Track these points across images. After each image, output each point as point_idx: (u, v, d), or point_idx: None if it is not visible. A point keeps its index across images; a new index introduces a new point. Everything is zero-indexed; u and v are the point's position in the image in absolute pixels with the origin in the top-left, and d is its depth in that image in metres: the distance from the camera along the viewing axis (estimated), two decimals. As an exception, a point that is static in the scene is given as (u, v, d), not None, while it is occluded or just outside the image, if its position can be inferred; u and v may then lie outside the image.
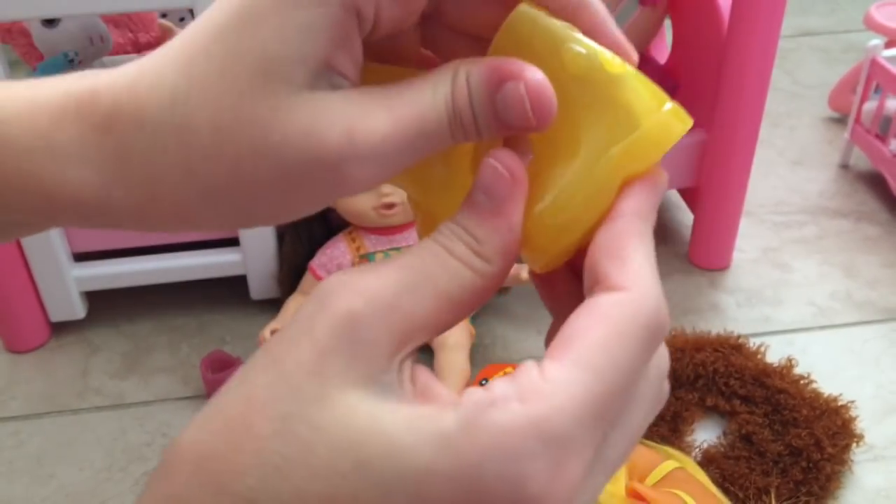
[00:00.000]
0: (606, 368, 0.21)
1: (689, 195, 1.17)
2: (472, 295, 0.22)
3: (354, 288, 0.21)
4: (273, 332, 0.94)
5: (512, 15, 0.25)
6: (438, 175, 0.28)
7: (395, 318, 0.21)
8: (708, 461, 0.83)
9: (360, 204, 0.93)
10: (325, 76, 0.23)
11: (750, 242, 1.20)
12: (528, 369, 0.21)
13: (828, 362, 0.99)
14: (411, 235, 0.98)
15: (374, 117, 0.23)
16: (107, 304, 1.08)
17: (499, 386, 0.21)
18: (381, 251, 0.97)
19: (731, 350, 0.94)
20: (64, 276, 1.00)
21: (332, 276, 0.22)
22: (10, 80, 0.25)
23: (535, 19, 0.25)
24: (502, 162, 0.23)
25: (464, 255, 0.22)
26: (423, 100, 0.23)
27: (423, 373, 0.22)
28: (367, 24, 0.23)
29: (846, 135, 1.34)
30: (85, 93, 0.23)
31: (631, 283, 0.22)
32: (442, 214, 0.27)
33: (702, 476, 0.77)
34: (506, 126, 0.23)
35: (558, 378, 0.21)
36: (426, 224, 0.29)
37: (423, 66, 0.27)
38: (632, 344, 0.22)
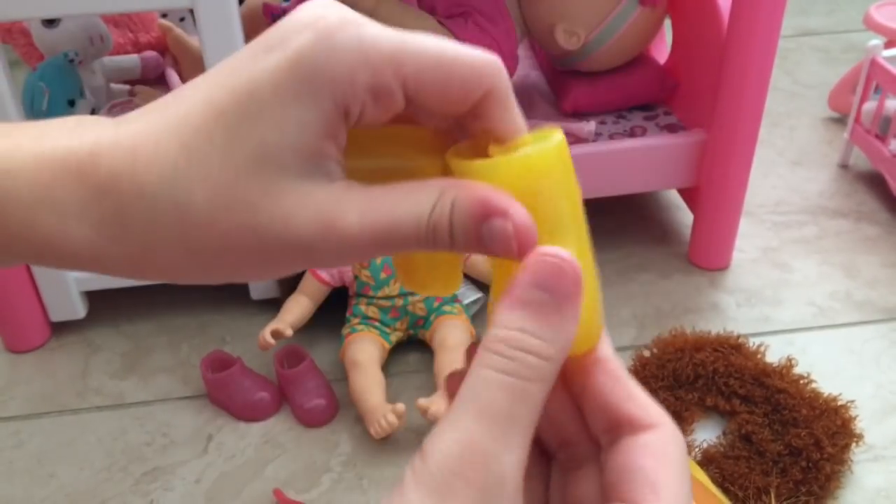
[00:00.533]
0: (686, 495, 0.26)
1: (689, 195, 1.18)
2: (543, 400, 0.24)
3: (473, 465, 0.22)
4: (273, 333, 0.94)
5: (557, 144, 0.26)
6: None
7: (509, 479, 0.23)
8: (708, 461, 0.83)
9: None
10: (317, 164, 0.25)
11: (750, 242, 1.20)
12: None
13: (827, 362, 0.99)
14: (411, 235, 0.98)
15: (349, 219, 0.25)
16: (107, 304, 1.08)
17: None
18: (381, 251, 0.97)
19: (730, 350, 0.93)
20: (64, 276, 1.00)
21: (431, 452, 0.23)
22: (15, 126, 0.27)
23: (565, 148, 0.27)
24: (559, 256, 0.24)
25: (536, 370, 0.24)
26: (400, 213, 0.25)
27: None
28: (353, 119, 0.25)
29: (846, 135, 1.34)
30: (86, 154, 0.25)
31: (657, 419, 0.27)
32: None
33: (702, 476, 0.77)
34: (485, 251, 0.25)
35: None
36: (401, 260, 0.31)
37: (396, 122, 0.29)
38: (686, 464, 0.27)
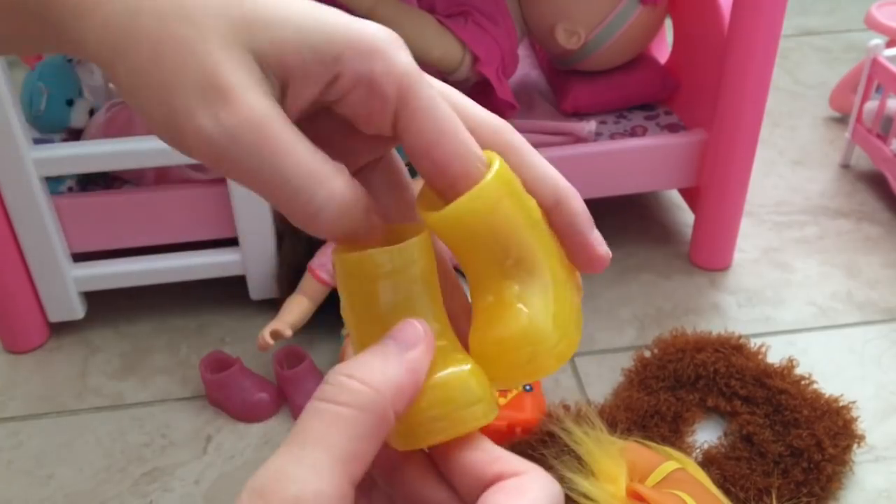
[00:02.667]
0: None
1: (690, 195, 1.17)
2: (365, 428, 0.24)
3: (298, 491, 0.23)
4: (272, 333, 0.94)
5: (496, 174, 0.27)
6: None
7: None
8: (709, 462, 0.82)
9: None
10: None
11: (751, 242, 1.20)
12: None
13: (829, 363, 0.98)
14: (411, 235, 0.98)
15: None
16: (106, 305, 1.08)
17: None
18: (381, 251, 0.97)
19: (731, 350, 0.93)
20: (63, 277, 1.00)
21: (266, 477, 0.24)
22: None
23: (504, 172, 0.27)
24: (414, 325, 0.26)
25: (353, 395, 0.24)
26: None
27: None
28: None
29: (847, 134, 1.34)
30: None
31: (524, 467, 0.26)
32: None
33: (703, 477, 0.77)
34: None
35: None
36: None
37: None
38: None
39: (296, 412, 0.93)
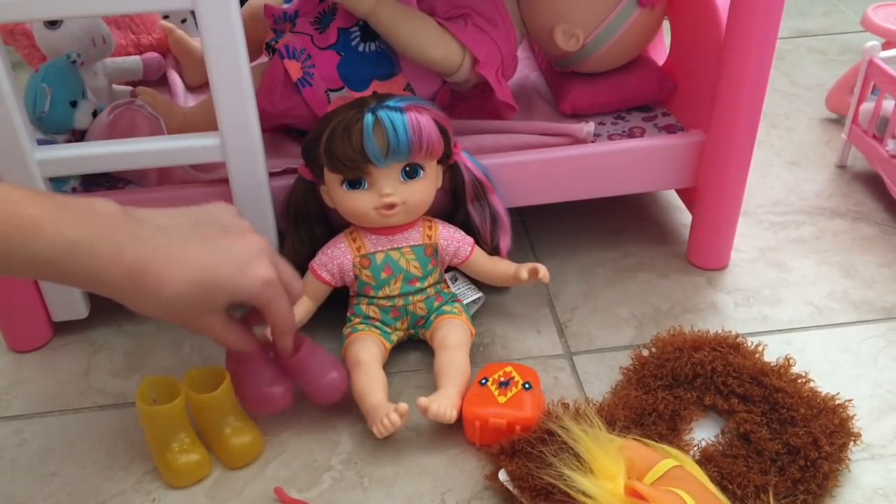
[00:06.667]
0: None
1: (687, 195, 1.18)
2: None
3: None
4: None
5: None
6: None
7: None
8: (706, 459, 0.83)
9: (361, 205, 0.94)
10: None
11: (748, 242, 1.21)
12: None
13: (825, 361, 0.99)
14: (411, 235, 0.98)
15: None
16: (109, 304, 1.07)
17: None
18: (382, 251, 0.97)
19: (729, 349, 0.94)
20: (66, 276, 1.00)
21: None
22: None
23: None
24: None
25: None
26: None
27: None
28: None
29: (843, 135, 1.35)
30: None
31: None
32: None
33: (700, 474, 0.77)
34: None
35: None
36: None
37: None
38: None
39: (310, 392, 0.89)
